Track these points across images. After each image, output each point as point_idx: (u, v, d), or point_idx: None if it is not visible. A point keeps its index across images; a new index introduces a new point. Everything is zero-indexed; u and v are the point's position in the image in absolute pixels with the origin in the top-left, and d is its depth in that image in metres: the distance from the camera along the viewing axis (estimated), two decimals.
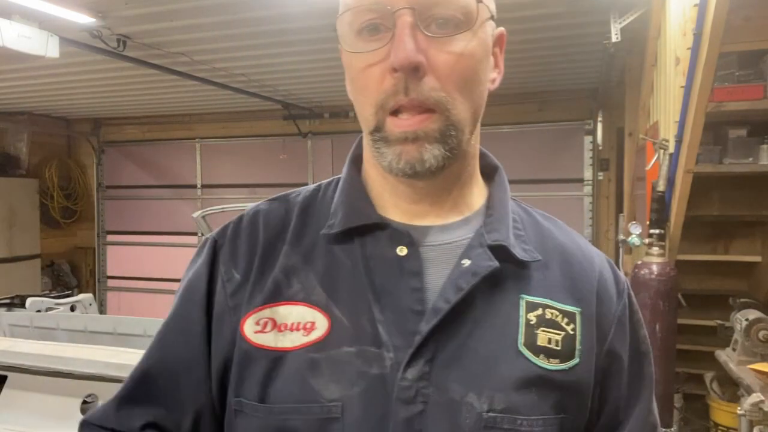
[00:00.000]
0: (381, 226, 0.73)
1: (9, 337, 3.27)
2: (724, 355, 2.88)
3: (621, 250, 4.28)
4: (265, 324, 0.71)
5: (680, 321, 3.16)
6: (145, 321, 3.27)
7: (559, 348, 0.70)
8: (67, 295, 4.07)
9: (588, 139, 5.67)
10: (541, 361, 0.69)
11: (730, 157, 3.32)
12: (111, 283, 7.57)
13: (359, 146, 0.80)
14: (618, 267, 0.82)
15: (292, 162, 6.63)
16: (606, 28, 3.30)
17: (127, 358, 2.21)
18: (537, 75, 4.98)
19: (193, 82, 4.83)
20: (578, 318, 0.72)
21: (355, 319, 0.69)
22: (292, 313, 0.71)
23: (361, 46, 0.68)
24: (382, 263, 0.71)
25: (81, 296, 4.01)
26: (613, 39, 3.24)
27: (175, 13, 3.38)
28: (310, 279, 0.72)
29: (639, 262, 3.03)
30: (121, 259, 7.48)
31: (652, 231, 3.00)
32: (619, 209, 5.14)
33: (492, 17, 0.72)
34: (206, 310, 0.75)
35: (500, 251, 0.71)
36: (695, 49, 2.60)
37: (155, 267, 7.12)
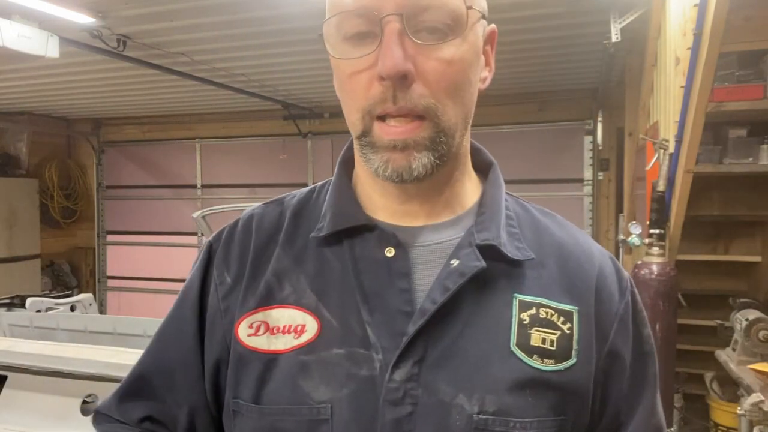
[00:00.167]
0: (369, 227, 0.73)
1: (9, 337, 3.27)
2: (724, 355, 2.88)
3: (621, 250, 4.27)
4: (258, 327, 0.72)
5: (680, 321, 3.16)
6: (145, 321, 3.27)
7: (554, 348, 0.69)
8: (67, 295, 4.07)
9: (588, 139, 5.67)
10: (535, 362, 0.68)
11: (730, 157, 3.32)
12: (111, 283, 7.57)
13: (350, 148, 0.80)
14: None
15: (292, 162, 6.63)
16: (606, 28, 3.30)
17: (127, 358, 2.21)
18: (537, 75, 4.98)
19: (193, 82, 4.83)
20: (575, 317, 0.71)
21: (344, 321, 0.69)
22: (283, 316, 0.71)
23: (348, 52, 0.67)
24: (370, 265, 0.71)
25: (81, 296, 4.00)
26: (613, 39, 3.24)
27: (175, 13, 3.37)
28: (301, 282, 0.73)
29: (639, 262, 3.03)
30: (121, 259, 7.48)
31: (652, 231, 3.00)
32: (619, 209, 5.14)
33: (483, 16, 0.71)
34: (199, 313, 0.77)
35: (490, 250, 0.70)
36: (695, 49, 2.60)
37: (155, 267, 7.12)
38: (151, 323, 3.18)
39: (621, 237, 3.87)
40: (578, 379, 0.70)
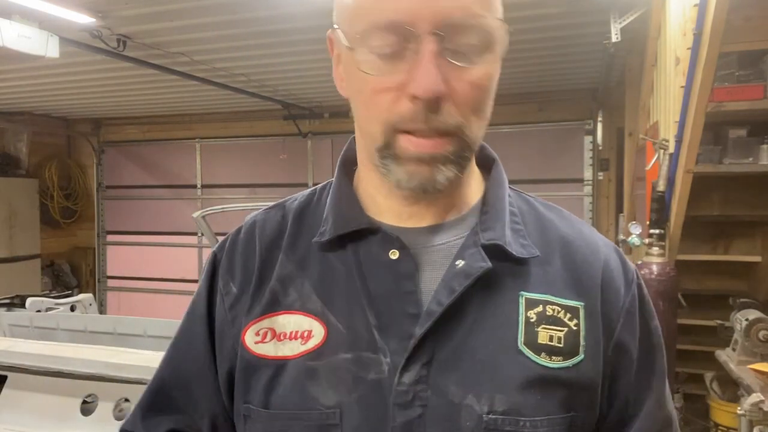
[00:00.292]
0: (372, 230, 0.72)
1: (9, 337, 3.27)
2: (724, 355, 2.88)
3: (621, 250, 4.27)
4: (265, 334, 0.72)
5: (680, 321, 3.17)
6: (145, 321, 3.27)
7: (561, 345, 0.69)
8: (67, 295, 4.06)
9: (588, 139, 5.68)
10: (543, 360, 0.68)
11: (730, 157, 3.32)
12: (111, 283, 7.57)
13: (350, 148, 0.79)
14: None
15: (292, 162, 6.63)
16: (606, 28, 3.30)
17: (127, 358, 2.20)
18: (537, 75, 4.98)
19: (193, 82, 4.83)
20: (582, 312, 0.70)
21: (350, 326, 0.69)
22: (289, 322, 0.71)
23: (378, 67, 0.64)
24: (375, 268, 0.71)
25: (81, 296, 4.00)
26: (613, 39, 3.24)
27: (175, 13, 3.38)
28: (306, 287, 0.72)
29: (639, 262, 3.03)
30: (120, 259, 7.48)
31: (652, 231, 3.00)
32: (619, 209, 5.14)
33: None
34: (208, 324, 0.78)
35: (495, 250, 0.70)
36: (695, 49, 2.60)
37: (155, 267, 7.11)
38: (151, 323, 3.19)
39: (621, 237, 3.87)
40: (586, 374, 0.69)
